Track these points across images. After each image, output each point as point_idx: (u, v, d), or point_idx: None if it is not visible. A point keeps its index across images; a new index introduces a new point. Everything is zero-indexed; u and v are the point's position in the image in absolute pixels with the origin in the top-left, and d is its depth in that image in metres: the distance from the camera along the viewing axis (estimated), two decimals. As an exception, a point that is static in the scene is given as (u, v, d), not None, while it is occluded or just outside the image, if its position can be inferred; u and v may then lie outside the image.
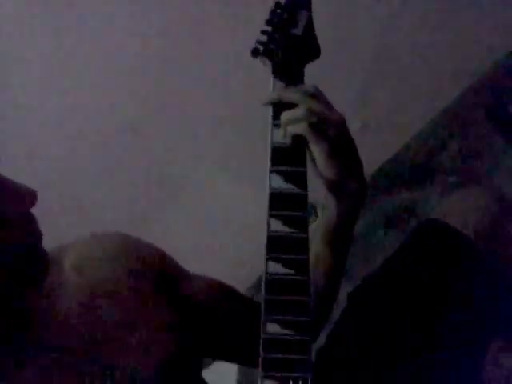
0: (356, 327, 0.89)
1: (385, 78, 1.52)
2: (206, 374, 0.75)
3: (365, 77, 1.51)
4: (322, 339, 0.90)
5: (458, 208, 0.92)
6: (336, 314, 0.92)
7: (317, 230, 0.75)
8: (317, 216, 1.55)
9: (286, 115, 0.63)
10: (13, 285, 0.52)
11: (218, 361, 0.99)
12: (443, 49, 1.49)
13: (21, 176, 0.52)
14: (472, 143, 1.57)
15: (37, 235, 0.53)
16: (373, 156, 1.57)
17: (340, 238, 0.75)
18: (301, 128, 0.62)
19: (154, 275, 0.68)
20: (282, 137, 0.64)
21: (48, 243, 0.60)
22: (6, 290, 0.52)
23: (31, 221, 0.53)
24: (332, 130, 0.63)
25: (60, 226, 0.99)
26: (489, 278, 0.86)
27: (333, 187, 0.68)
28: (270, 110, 0.66)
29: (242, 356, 0.81)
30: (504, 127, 1.53)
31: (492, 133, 1.54)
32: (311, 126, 0.62)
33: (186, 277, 0.75)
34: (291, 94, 0.64)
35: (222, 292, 0.79)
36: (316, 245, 0.75)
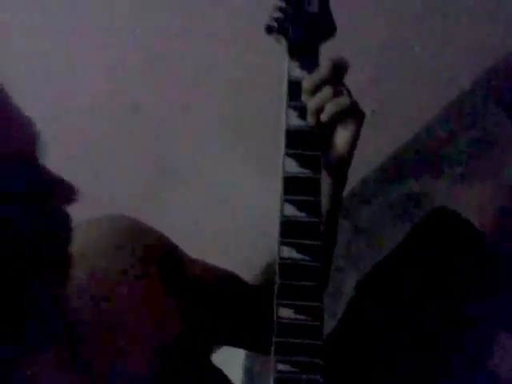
0: (365, 315, 0.89)
1: (395, 66, 1.51)
2: (214, 357, 0.75)
3: (375, 64, 1.50)
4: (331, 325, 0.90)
5: (470, 199, 0.93)
6: (345, 302, 0.92)
7: None
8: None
9: (321, 98, 0.61)
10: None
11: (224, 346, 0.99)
12: (455, 38, 1.47)
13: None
14: (481, 134, 1.55)
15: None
16: (381, 145, 1.55)
17: (332, 210, 0.74)
18: (342, 108, 0.61)
19: (159, 261, 0.66)
20: (310, 117, 0.62)
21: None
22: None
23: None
24: (361, 114, 0.64)
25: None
26: (496, 270, 0.86)
27: (338, 168, 0.68)
28: (284, 91, 0.63)
29: (245, 342, 0.81)
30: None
31: (501, 124, 1.53)
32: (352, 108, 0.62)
33: (189, 262, 0.74)
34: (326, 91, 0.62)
35: (223, 277, 0.78)
36: None
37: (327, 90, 0.61)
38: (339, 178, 0.70)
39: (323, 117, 0.61)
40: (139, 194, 1.43)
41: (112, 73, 1.30)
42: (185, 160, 1.46)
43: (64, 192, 0.48)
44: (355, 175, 1.56)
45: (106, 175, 1.39)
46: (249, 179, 1.48)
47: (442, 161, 1.57)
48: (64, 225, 0.51)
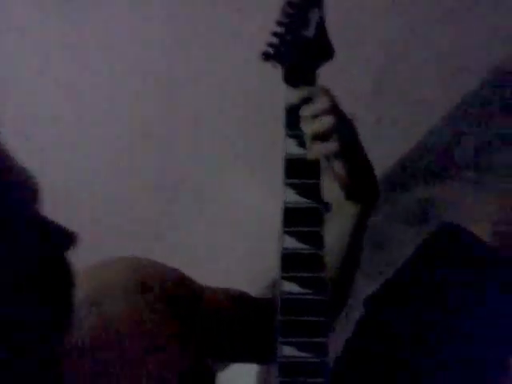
0: (374, 335, 0.88)
1: (398, 72, 1.50)
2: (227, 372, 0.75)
3: (378, 70, 1.49)
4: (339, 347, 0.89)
5: (482, 204, 0.92)
6: (353, 320, 0.91)
7: (331, 229, 0.73)
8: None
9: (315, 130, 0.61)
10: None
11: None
12: (457, 43, 1.46)
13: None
14: (488, 137, 1.53)
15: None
16: (388, 151, 1.54)
17: (355, 241, 0.73)
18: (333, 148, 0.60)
19: (170, 297, 0.66)
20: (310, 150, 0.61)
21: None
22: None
23: None
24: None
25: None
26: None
27: (350, 192, 0.67)
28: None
29: (256, 356, 0.80)
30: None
31: (508, 126, 1.50)
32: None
33: (201, 292, 0.73)
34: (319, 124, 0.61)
35: (235, 299, 0.78)
36: (331, 244, 0.73)
37: (326, 119, 0.60)
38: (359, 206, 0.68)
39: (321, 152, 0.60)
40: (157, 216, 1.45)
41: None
42: (201, 180, 1.47)
43: (64, 239, 0.47)
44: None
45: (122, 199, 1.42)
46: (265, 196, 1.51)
47: (451, 165, 1.55)
48: (67, 271, 0.50)
